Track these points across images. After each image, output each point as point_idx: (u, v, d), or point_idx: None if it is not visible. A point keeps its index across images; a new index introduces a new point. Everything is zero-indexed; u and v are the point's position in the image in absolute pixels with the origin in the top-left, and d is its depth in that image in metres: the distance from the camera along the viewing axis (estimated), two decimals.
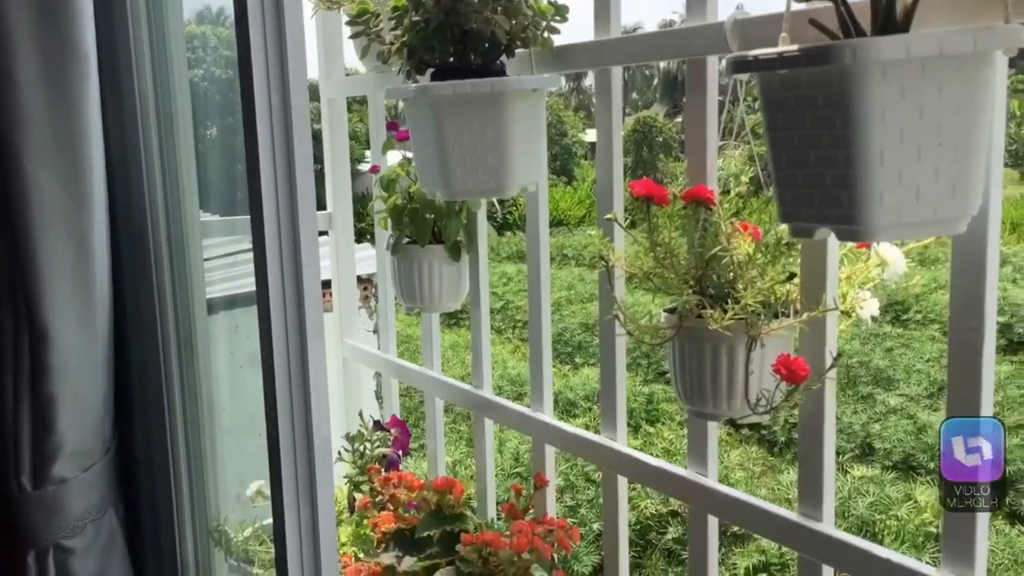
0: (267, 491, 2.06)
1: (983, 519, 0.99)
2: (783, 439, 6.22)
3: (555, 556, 1.47)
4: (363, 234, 3.40)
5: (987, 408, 0.96)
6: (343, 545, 1.73)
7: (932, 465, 5.82)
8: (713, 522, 1.30)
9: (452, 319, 8.97)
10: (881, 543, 4.85)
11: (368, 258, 2.65)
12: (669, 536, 5.24)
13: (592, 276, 10.17)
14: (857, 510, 4.92)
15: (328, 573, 1.34)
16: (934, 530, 4.49)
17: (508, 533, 1.43)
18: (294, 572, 1.32)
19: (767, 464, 6.07)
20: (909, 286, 1.20)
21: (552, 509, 1.60)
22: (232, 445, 2.01)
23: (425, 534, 1.45)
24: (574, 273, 10.29)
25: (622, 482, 1.44)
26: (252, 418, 2.11)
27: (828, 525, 1.14)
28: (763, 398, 1.11)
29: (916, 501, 4.97)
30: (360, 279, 2.47)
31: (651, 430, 6.22)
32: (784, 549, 4.89)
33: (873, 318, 1.19)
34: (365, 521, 1.68)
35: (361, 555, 1.62)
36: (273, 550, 1.89)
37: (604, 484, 1.46)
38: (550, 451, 1.58)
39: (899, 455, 6.05)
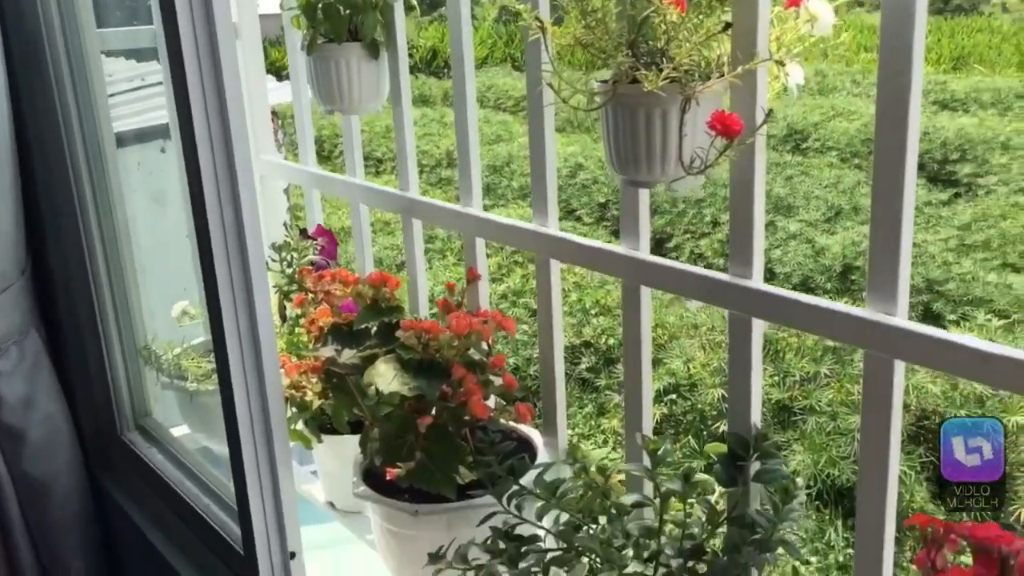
0: (192, 310, 2.04)
1: (905, 262, 1.04)
2: None
3: (489, 344, 1.50)
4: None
5: (912, 154, 0.99)
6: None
7: (829, 286, 6.16)
8: (646, 293, 1.34)
9: (368, 168, 8.81)
10: (783, 359, 5.13)
11: (272, 91, 2.57)
12: (583, 366, 5.45)
13: (497, 118, 10.04)
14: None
15: (270, 373, 1.35)
16: (833, 344, 4.72)
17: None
18: (237, 377, 1.33)
19: (677, 297, 6.28)
20: (834, 44, 1.20)
21: (486, 303, 1.62)
22: (153, 267, 1.98)
23: (363, 326, 1.46)
24: (478, 115, 10.16)
25: (555, 266, 1.46)
26: (171, 240, 2.07)
27: (757, 281, 1.18)
28: (697, 158, 1.13)
29: None
30: None
31: None
32: (692, 369, 5.15)
33: (796, 90, 1.20)
34: (298, 329, 1.68)
35: (295, 360, 1.63)
36: (205, 364, 1.89)
37: (538, 272, 1.48)
38: (480, 244, 1.59)
39: (798, 278, 6.37)
